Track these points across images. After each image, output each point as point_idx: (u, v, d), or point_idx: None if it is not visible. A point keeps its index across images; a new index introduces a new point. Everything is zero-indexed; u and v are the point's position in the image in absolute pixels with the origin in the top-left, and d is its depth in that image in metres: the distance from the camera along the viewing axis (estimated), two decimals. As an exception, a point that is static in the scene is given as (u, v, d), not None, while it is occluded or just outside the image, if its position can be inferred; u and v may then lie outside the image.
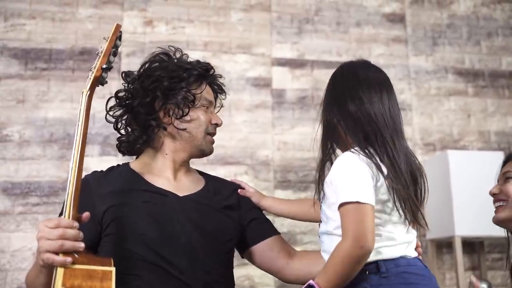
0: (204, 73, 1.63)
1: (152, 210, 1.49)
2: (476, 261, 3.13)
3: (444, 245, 3.10)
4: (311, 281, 1.24)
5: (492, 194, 1.61)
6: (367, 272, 1.29)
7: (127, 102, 1.59)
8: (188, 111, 1.56)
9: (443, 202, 2.88)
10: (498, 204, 1.60)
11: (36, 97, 2.99)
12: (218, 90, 1.70)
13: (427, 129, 3.32)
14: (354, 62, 1.48)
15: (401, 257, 1.33)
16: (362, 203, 1.25)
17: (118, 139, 1.64)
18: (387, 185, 1.31)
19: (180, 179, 1.60)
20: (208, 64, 1.66)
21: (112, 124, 1.63)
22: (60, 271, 1.25)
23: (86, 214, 1.32)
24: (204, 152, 1.63)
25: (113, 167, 1.62)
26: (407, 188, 1.32)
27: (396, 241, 1.32)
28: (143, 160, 1.61)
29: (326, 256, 1.38)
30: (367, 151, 1.32)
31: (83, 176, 1.38)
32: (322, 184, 1.37)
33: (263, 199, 1.68)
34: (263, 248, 1.62)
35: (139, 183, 1.54)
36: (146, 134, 1.58)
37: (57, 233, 1.25)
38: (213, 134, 1.63)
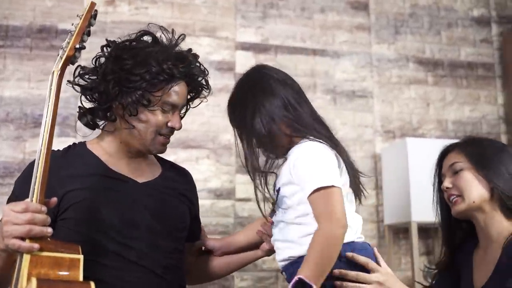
0: (176, 76, 1.49)
1: (113, 197, 1.48)
2: (431, 246, 3.22)
3: (401, 231, 3.17)
4: (298, 277, 1.23)
5: (445, 189, 1.63)
6: None
7: (91, 77, 1.52)
8: (137, 113, 1.46)
9: (401, 189, 2.94)
10: (453, 198, 1.61)
11: (-8, 75, 2.90)
12: (195, 91, 1.60)
13: (388, 117, 3.37)
14: (266, 68, 1.53)
15: (356, 241, 1.38)
16: (336, 186, 1.29)
17: (80, 107, 1.55)
18: (346, 168, 1.38)
19: (138, 165, 1.58)
20: (191, 63, 1.54)
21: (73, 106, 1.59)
22: (26, 259, 1.20)
23: (54, 200, 1.29)
24: (151, 152, 1.58)
25: (69, 146, 1.58)
26: (354, 169, 1.41)
27: (350, 224, 1.34)
28: (101, 144, 1.56)
29: (279, 244, 1.40)
30: (320, 139, 1.39)
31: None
32: (269, 189, 1.42)
33: (211, 242, 1.70)
34: (190, 248, 1.67)
35: (98, 168, 1.51)
36: (102, 115, 1.52)
37: (25, 218, 1.20)
38: (167, 135, 1.54)
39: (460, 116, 3.47)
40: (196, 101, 1.65)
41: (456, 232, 1.70)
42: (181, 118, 1.59)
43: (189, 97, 1.60)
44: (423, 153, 2.83)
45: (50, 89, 1.30)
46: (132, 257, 1.44)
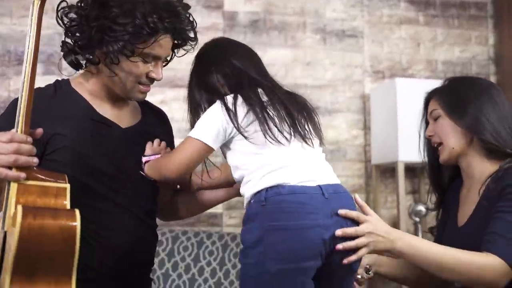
0: (160, 30, 1.45)
1: (100, 142, 1.49)
2: (417, 185, 3.27)
3: (387, 170, 3.22)
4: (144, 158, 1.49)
5: (428, 136, 1.64)
6: (251, 201, 1.37)
7: (74, 18, 1.48)
8: (119, 62, 1.45)
9: (389, 129, 2.96)
10: (436, 145, 1.63)
11: (-28, 11, 2.82)
12: (180, 43, 1.56)
13: (377, 57, 3.35)
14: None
15: (285, 185, 1.34)
16: (198, 140, 1.39)
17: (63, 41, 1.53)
18: (253, 112, 1.39)
19: (120, 109, 1.58)
20: (179, 15, 1.50)
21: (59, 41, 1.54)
22: (13, 187, 1.23)
23: (39, 131, 1.30)
24: (130, 99, 1.57)
25: (55, 85, 1.56)
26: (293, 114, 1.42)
27: (283, 165, 1.36)
28: (84, 84, 1.55)
29: None
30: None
31: None
32: None
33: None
34: (166, 185, 1.68)
35: (86, 110, 1.51)
36: (84, 57, 1.49)
37: (10, 148, 1.21)
38: (148, 84, 1.53)
39: (450, 57, 3.45)
40: (183, 51, 1.62)
41: (443, 174, 1.73)
42: (165, 65, 1.58)
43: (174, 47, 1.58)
44: (412, 94, 2.82)
45: (31, 20, 1.27)
46: (119, 200, 1.49)
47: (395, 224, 3.13)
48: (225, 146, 1.43)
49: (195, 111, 1.47)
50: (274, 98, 1.44)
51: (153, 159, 1.51)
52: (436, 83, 1.72)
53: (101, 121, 1.51)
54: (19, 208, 1.19)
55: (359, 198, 1.47)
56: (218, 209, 2.94)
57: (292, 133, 1.40)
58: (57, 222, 1.22)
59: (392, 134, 2.92)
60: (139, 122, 1.60)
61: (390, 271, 1.72)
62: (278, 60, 3.21)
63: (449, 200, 1.71)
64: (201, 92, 1.47)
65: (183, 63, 3.09)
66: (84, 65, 1.52)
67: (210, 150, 1.41)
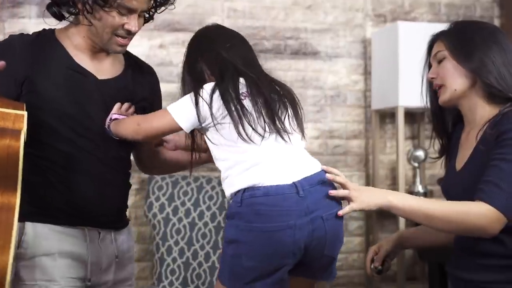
0: None
1: (73, 89, 1.53)
2: (416, 131, 3.28)
3: (387, 116, 3.22)
4: (111, 115, 1.52)
5: (430, 79, 1.63)
6: (231, 200, 1.44)
7: None
8: (93, 12, 1.47)
9: (389, 74, 2.93)
10: (437, 88, 1.62)
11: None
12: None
13: (379, 0, 3.28)
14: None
15: (260, 186, 1.38)
16: (170, 114, 1.44)
17: None
18: (227, 109, 1.41)
19: (101, 61, 1.59)
20: None
21: None
22: None
23: (2, 63, 1.32)
24: (109, 52, 1.58)
25: (39, 33, 1.59)
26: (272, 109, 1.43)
27: (250, 163, 1.40)
28: (68, 34, 1.58)
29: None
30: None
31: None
32: None
33: None
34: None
35: (64, 59, 1.55)
36: (64, 7, 1.52)
37: None
38: (124, 37, 1.53)
39: (454, -1, 3.38)
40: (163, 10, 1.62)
41: (446, 120, 1.73)
42: (146, 21, 1.59)
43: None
44: (414, 38, 2.79)
45: None
46: (85, 146, 1.54)
47: (394, 169, 3.15)
48: (205, 133, 1.47)
49: (183, 93, 1.50)
50: (255, 90, 1.45)
51: (122, 119, 1.55)
52: (439, 27, 1.69)
53: (77, 70, 1.54)
54: None
55: (342, 176, 1.45)
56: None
57: (268, 129, 1.42)
58: (2, 140, 1.29)
59: (392, 78, 2.90)
60: (118, 76, 1.62)
61: (415, 243, 1.81)
62: (278, 3, 3.15)
63: (451, 146, 1.72)
64: (189, 78, 1.51)
65: (181, 5, 3.04)
66: (67, 17, 1.55)
67: (181, 129, 1.47)
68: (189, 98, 1.45)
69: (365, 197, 1.45)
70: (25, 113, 1.35)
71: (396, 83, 2.87)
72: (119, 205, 1.64)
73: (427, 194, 3.08)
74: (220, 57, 1.49)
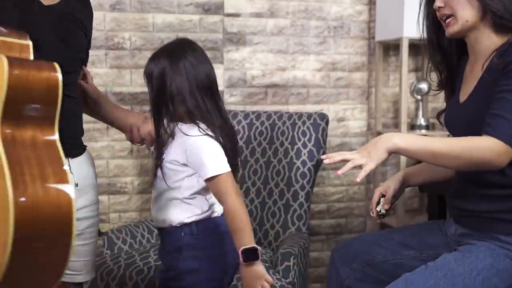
0: None
1: (22, 17, 1.53)
2: (420, 63, 3.24)
3: (391, 47, 3.17)
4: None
5: (437, 8, 1.58)
6: (182, 234, 1.60)
7: None
8: None
9: (394, 3, 2.86)
10: (445, 18, 1.58)
11: None
12: None
13: None
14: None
15: (212, 218, 1.65)
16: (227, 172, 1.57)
17: None
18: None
19: None
20: None
21: None
22: None
23: None
24: None
25: None
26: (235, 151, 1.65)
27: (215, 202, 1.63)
28: None
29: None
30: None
31: None
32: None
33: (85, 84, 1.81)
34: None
35: None
36: None
37: None
38: None
39: None
40: None
41: (447, 51, 1.70)
42: None
43: None
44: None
45: None
46: None
47: (397, 102, 3.14)
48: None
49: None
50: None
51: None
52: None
53: None
54: (3, 58, 1.26)
55: (337, 154, 1.51)
56: (220, 86, 2.94)
57: None
58: (42, 73, 1.32)
59: (397, 8, 2.83)
60: (60, 2, 1.63)
61: (419, 179, 1.85)
62: None
63: (455, 78, 1.70)
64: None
65: None
66: None
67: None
68: (217, 145, 1.57)
69: (372, 154, 1.45)
70: (30, 42, 1.37)
71: (401, 13, 2.81)
72: (69, 133, 1.63)
73: (429, 127, 3.08)
74: (175, 88, 1.61)
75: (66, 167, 1.31)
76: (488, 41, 1.56)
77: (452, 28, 1.58)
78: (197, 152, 1.55)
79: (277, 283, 2.00)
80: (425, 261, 1.55)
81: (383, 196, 1.77)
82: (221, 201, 1.55)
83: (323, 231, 3.15)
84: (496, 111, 1.45)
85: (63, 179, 1.28)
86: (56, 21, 1.60)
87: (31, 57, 1.37)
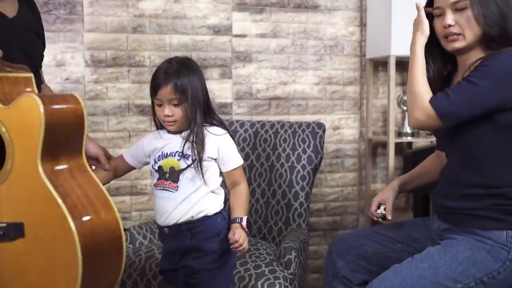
0: None
1: None
2: (406, 78, 3.26)
3: (380, 64, 3.20)
4: (239, 221, 1.65)
5: (448, 25, 1.55)
6: (218, 220, 1.69)
7: None
8: None
9: (383, 25, 2.89)
10: (452, 37, 1.56)
11: None
12: None
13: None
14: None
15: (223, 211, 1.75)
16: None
17: None
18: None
19: (3, 0, 1.54)
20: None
21: None
22: None
23: None
24: None
25: None
26: None
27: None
28: None
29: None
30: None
31: None
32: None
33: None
34: None
35: None
36: None
37: None
38: None
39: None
40: None
41: (430, 61, 1.69)
42: None
43: None
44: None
45: None
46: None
47: (385, 112, 3.16)
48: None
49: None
50: None
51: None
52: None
53: None
54: (37, 98, 1.21)
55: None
56: (228, 99, 2.97)
57: None
58: (68, 106, 1.28)
59: (385, 29, 2.87)
60: (18, 13, 1.57)
61: (413, 185, 1.88)
62: (281, -41, 3.07)
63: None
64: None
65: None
66: None
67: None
68: (231, 139, 1.72)
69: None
70: (31, 74, 1.34)
71: (389, 33, 2.85)
72: None
73: (414, 134, 3.11)
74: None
75: (103, 189, 1.31)
76: (476, 55, 1.57)
77: (457, 44, 1.57)
78: (227, 147, 1.71)
79: (280, 274, 2.02)
80: (411, 254, 1.57)
81: (381, 204, 1.79)
82: (237, 185, 1.72)
83: (321, 227, 3.17)
84: (447, 90, 1.51)
85: (107, 203, 1.31)
86: (18, 34, 1.52)
87: (35, 89, 1.32)
